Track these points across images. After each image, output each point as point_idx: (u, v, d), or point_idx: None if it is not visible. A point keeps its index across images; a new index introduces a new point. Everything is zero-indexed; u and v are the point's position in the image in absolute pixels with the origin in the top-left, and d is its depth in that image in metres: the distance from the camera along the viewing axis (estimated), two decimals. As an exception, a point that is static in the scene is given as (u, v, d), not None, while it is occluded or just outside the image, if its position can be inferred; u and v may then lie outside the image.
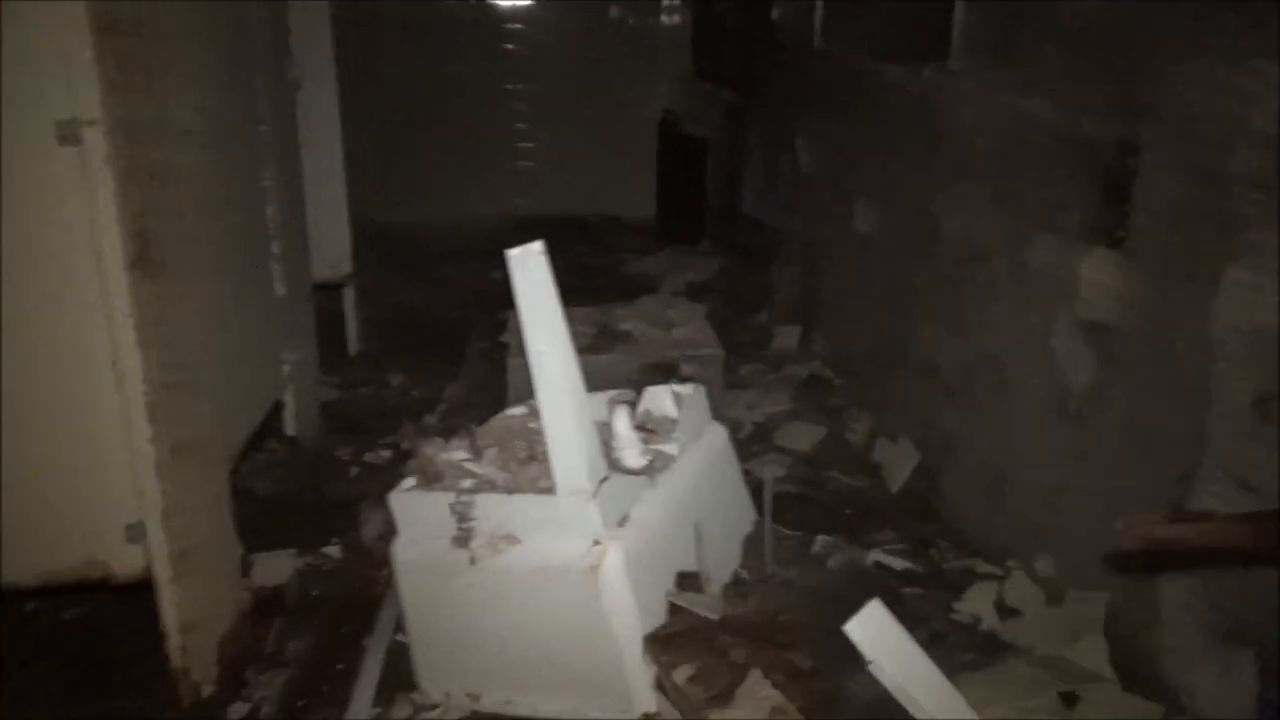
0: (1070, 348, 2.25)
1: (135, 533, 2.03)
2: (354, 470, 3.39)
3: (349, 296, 4.31)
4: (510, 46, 7.17)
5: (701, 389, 2.56)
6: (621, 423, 2.35)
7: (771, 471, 2.73)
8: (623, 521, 2.12)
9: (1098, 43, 2.13)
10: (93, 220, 1.83)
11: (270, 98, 2.90)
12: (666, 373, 3.16)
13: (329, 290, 4.21)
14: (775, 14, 4.45)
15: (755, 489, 2.67)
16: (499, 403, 3.89)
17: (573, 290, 5.42)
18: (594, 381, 2.55)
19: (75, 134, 1.78)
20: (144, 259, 1.91)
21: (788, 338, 4.26)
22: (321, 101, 3.72)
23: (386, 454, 3.50)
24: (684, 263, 5.76)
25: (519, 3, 7.07)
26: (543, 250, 2.03)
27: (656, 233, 6.55)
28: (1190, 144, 1.88)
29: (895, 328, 3.22)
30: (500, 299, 5.36)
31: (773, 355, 4.20)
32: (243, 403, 2.65)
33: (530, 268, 2.02)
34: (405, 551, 2.31)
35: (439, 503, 2.22)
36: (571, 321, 3.84)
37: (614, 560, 2.05)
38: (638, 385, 2.78)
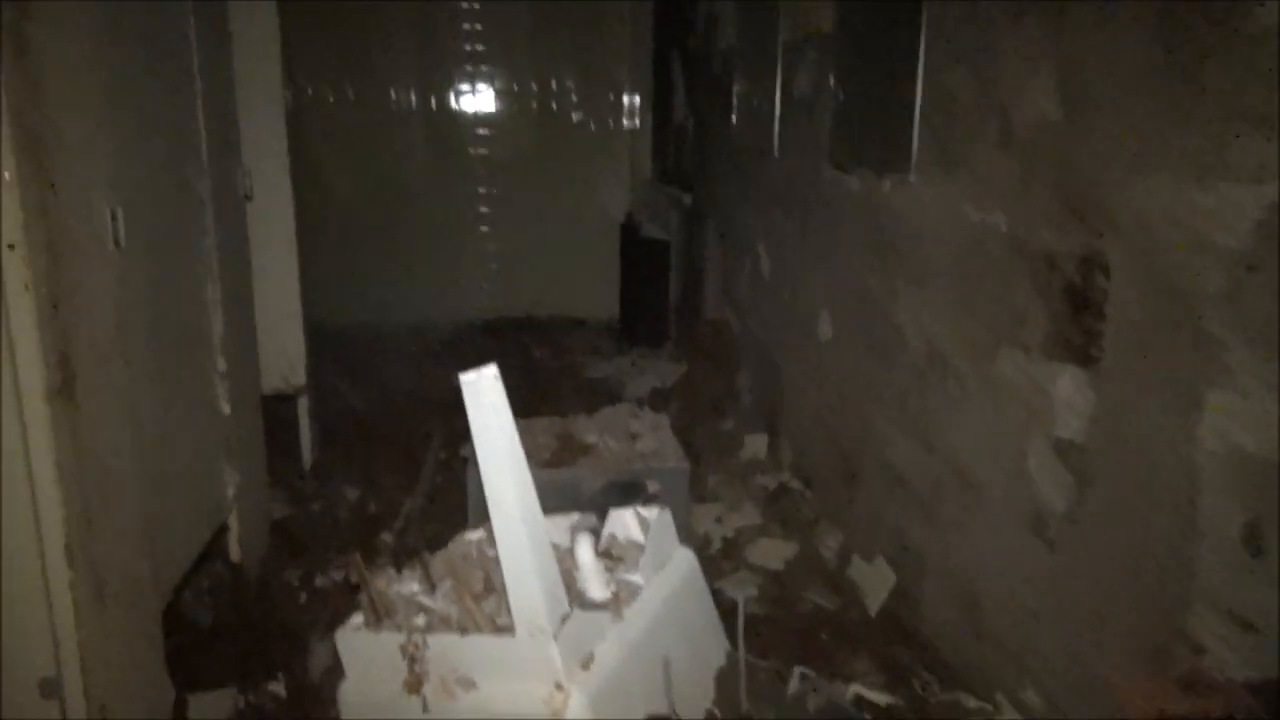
0: (1045, 467, 2.17)
1: (50, 688, 1.85)
2: (303, 596, 3.20)
3: (303, 407, 4.16)
4: (474, 151, 7.23)
5: (668, 512, 2.44)
6: (585, 552, 2.23)
7: (744, 595, 2.60)
8: (587, 662, 1.98)
9: (1053, 157, 2.11)
10: (10, 348, 1.71)
11: (218, 209, 2.82)
12: (631, 491, 3.05)
13: (282, 401, 4.08)
14: (734, 121, 4.49)
15: (726, 610, 2.54)
16: (458, 517, 3.75)
17: (534, 395, 5.36)
18: (556, 497, 2.43)
19: (-5, 258, 1.67)
20: (66, 388, 1.79)
21: (755, 446, 4.17)
22: (275, 210, 3.65)
23: (338, 577, 3.32)
24: (647, 367, 5.69)
25: (483, 109, 7.14)
26: (497, 375, 1.93)
27: (619, 336, 6.50)
28: (1156, 262, 1.84)
29: (862, 438, 3.15)
30: (459, 404, 5.26)
31: (740, 465, 4.10)
32: (180, 533, 2.49)
33: (484, 392, 1.92)
34: (353, 696, 2.15)
35: (389, 644, 2.07)
36: (532, 433, 3.72)
37: (578, 707, 1.90)
38: (602, 504, 2.66)
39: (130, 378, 2.10)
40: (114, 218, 2.03)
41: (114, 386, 2.02)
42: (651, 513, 2.44)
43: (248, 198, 3.21)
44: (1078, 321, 2.04)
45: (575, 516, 2.45)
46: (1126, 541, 1.94)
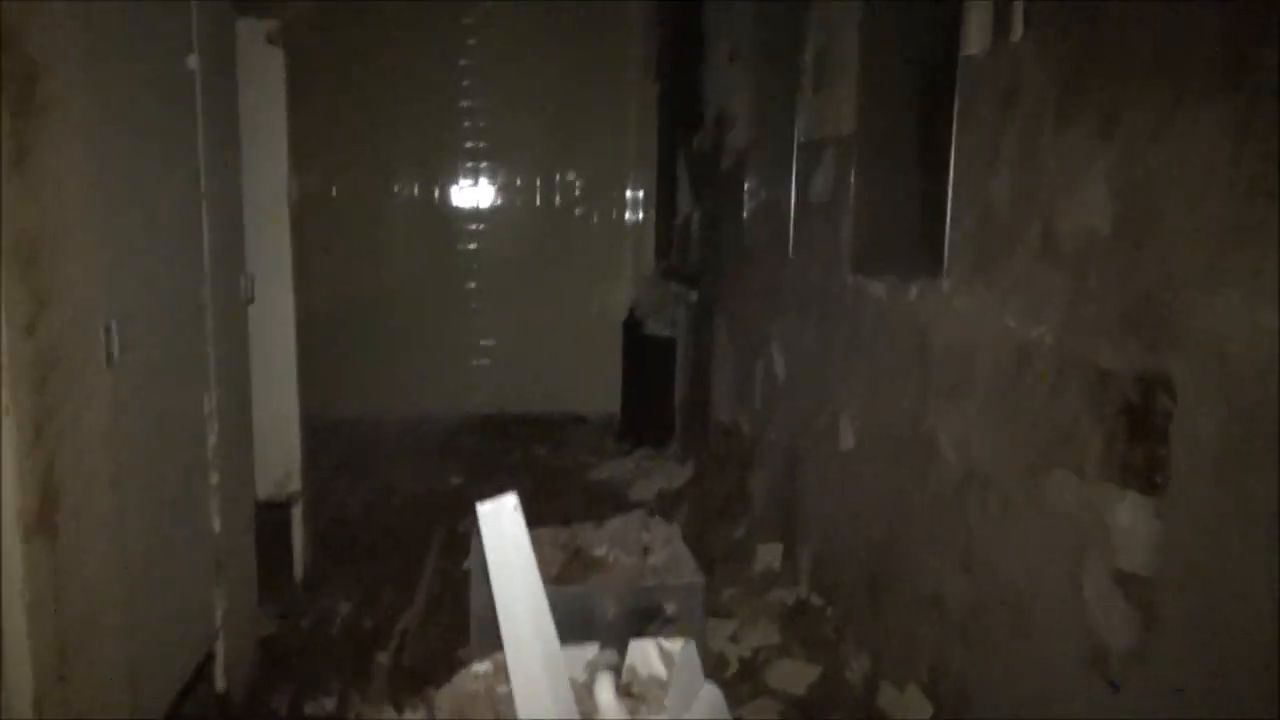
0: (1104, 601, 2.01)
1: None
2: (290, 728, 2.99)
3: (296, 515, 3.98)
4: (474, 244, 7.18)
5: (693, 645, 2.26)
6: (605, 693, 2.04)
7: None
8: (608, 824, 1.79)
9: (1106, 269, 2.01)
10: (-11, 481, 1.56)
11: (218, 316, 2.69)
12: (648, 615, 2.86)
13: (274, 508, 3.90)
14: (745, 221, 4.43)
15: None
16: (457, 636, 3.55)
17: (538, 497, 5.18)
18: (567, 615, 2.25)
19: (-25, 383, 1.53)
20: (45, 521, 1.63)
21: (770, 556, 3.99)
22: (276, 313, 3.53)
23: (329, 704, 3.11)
24: (652, 468, 5.53)
25: (484, 202, 7.12)
26: (517, 505, 1.78)
27: (621, 434, 6.35)
28: (1231, 383, 1.71)
29: (892, 553, 2.98)
30: (458, 506, 5.07)
31: (755, 576, 3.91)
32: (164, 666, 2.29)
33: (503, 525, 1.77)
34: None
35: (388, 800, 1.88)
36: (539, 544, 3.52)
37: None
38: (619, 631, 2.49)
39: (118, 502, 1.94)
40: (108, 331, 1.90)
41: (100, 513, 1.86)
42: (675, 645, 2.26)
43: (249, 301, 3.09)
44: (1138, 445, 1.91)
45: (594, 651, 2.27)
46: (1203, 686, 1.77)
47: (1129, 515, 1.94)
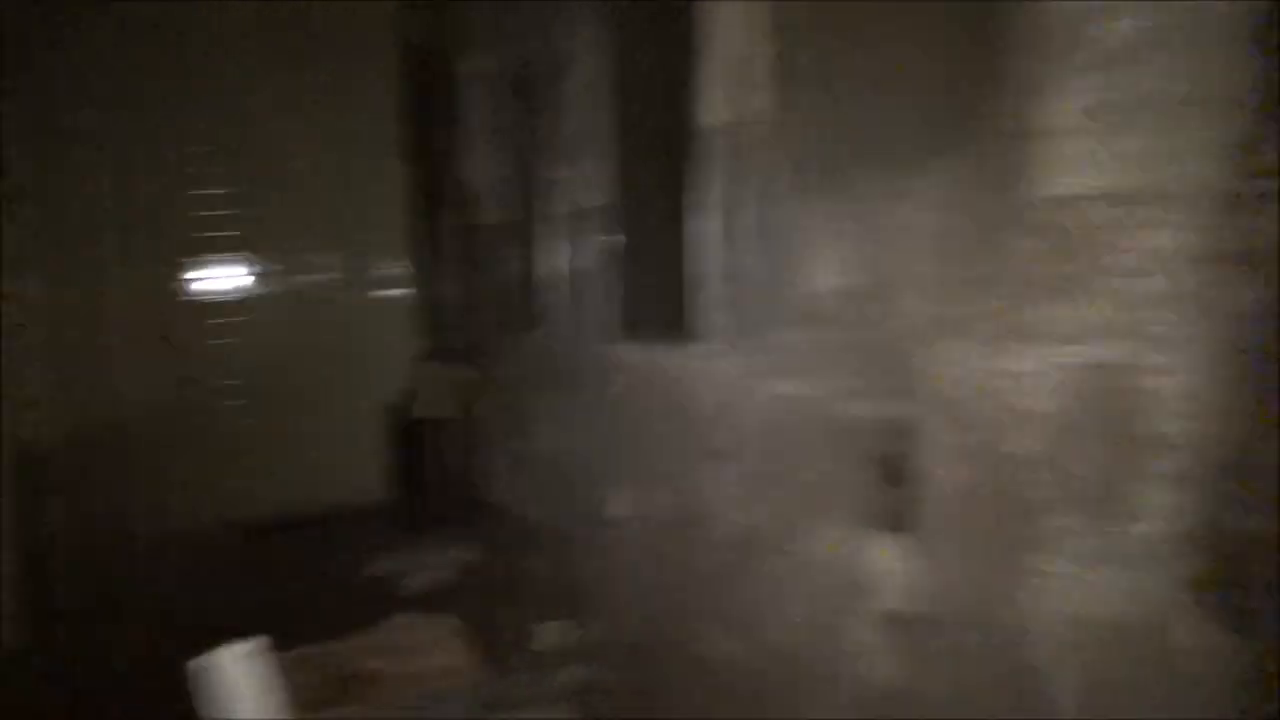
0: (869, 643, 2.06)
1: None
2: None
3: None
4: (222, 339, 6.67)
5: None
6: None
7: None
8: None
9: (845, 327, 2.10)
10: None
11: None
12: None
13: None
14: (508, 294, 4.38)
15: None
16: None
17: (303, 612, 4.70)
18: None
19: None
20: None
21: (556, 635, 3.87)
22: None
23: None
24: (428, 558, 5.25)
25: (232, 294, 6.66)
26: (250, 652, 1.55)
27: (395, 522, 6.02)
28: (964, 426, 1.82)
29: (674, 622, 2.95)
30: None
31: (545, 658, 3.77)
32: None
33: (233, 678, 1.55)
34: None
35: None
36: (296, 671, 3.22)
37: None
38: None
39: None
40: None
41: None
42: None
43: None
44: (890, 489, 1.99)
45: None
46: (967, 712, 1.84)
47: (885, 557, 2.00)
